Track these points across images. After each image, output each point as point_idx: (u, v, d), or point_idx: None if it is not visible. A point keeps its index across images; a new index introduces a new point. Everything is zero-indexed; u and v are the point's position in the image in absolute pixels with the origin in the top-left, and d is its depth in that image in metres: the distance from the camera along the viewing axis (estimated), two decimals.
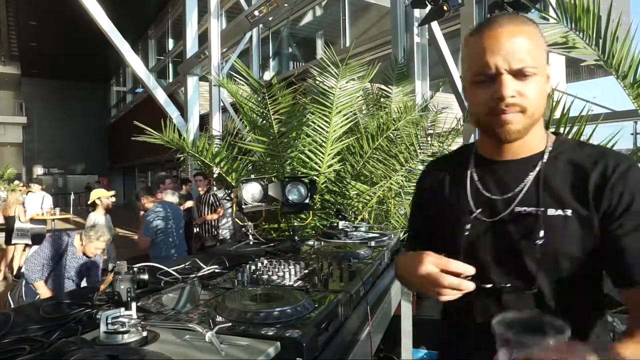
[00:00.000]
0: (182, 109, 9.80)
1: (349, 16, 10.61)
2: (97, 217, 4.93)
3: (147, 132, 3.86)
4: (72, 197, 12.03)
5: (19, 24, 18.39)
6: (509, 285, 0.90)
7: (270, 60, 12.97)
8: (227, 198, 4.81)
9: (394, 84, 4.81)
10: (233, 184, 3.78)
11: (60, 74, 25.93)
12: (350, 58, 3.71)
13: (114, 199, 5.30)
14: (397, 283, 1.76)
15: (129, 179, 26.79)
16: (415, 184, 1.20)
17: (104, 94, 29.48)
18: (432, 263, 0.83)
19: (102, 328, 0.88)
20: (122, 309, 0.91)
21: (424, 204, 1.10)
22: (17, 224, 7.11)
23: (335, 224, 2.18)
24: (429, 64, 5.75)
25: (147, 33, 19.26)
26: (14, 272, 6.94)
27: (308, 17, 12.49)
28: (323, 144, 3.55)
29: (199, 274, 1.56)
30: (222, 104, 8.59)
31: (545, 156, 0.92)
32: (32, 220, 7.58)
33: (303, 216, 2.99)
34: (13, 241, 7.11)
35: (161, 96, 9.23)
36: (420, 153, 3.44)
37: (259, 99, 3.60)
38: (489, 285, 0.90)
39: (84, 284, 3.62)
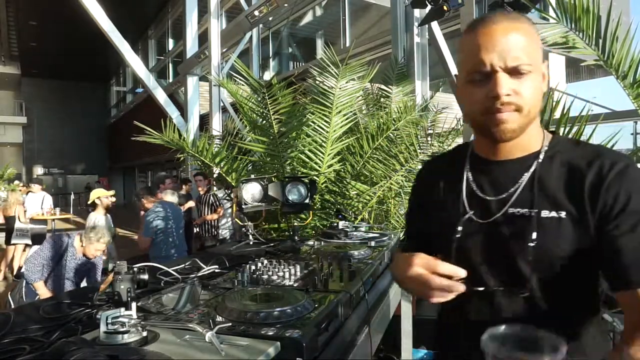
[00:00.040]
0: (182, 109, 9.80)
1: (349, 16, 10.60)
2: (97, 217, 4.92)
3: (147, 132, 3.86)
4: (72, 197, 12.08)
5: (19, 24, 18.37)
6: (501, 288, 0.89)
7: (270, 60, 12.96)
8: (227, 198, 4.81)
9: (394, 84, 4.81)
10: (233, 184, 3.78)
11: (60, 74, 25.89)
12: (350, 58, 3.70)
13: (113, 199, 5.29)
14: None
15: (129, 179, 26.78)
16: None
17: (104, 94, 29.45)
18: (421, 265, 0.82)
19: (102, 328, 0.89)
20: (122, 309, 0.91)
21: (420, 205, 1.09)
22: (17, 224, 7.09)
23: (335, 224, 2.19)
24: (429, 64, 5.74)
25: (147, 33, 19.25)
26: (14, 272, 6.93)
27: (308, 17, 12.48)
28: (323, 144, 3.55)
29: (199, 274, 1.56)
30: (222, 104, 8.59)
31: (541, 156, 0.91)
32: (32, 220, 7.58)
33: (303, 216, 2.99)
34: (13, 241, 7.09)
35: (161, 96, 9.24)
36: (420, 153, 3.44)
37: (259, 99, 3.60)
38: (481, 289, 0.89)
39: (83, 284, 3.61)
